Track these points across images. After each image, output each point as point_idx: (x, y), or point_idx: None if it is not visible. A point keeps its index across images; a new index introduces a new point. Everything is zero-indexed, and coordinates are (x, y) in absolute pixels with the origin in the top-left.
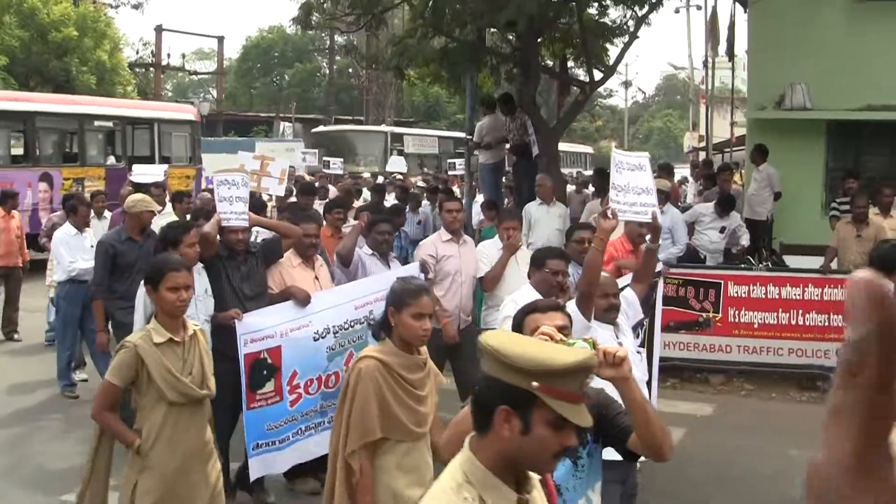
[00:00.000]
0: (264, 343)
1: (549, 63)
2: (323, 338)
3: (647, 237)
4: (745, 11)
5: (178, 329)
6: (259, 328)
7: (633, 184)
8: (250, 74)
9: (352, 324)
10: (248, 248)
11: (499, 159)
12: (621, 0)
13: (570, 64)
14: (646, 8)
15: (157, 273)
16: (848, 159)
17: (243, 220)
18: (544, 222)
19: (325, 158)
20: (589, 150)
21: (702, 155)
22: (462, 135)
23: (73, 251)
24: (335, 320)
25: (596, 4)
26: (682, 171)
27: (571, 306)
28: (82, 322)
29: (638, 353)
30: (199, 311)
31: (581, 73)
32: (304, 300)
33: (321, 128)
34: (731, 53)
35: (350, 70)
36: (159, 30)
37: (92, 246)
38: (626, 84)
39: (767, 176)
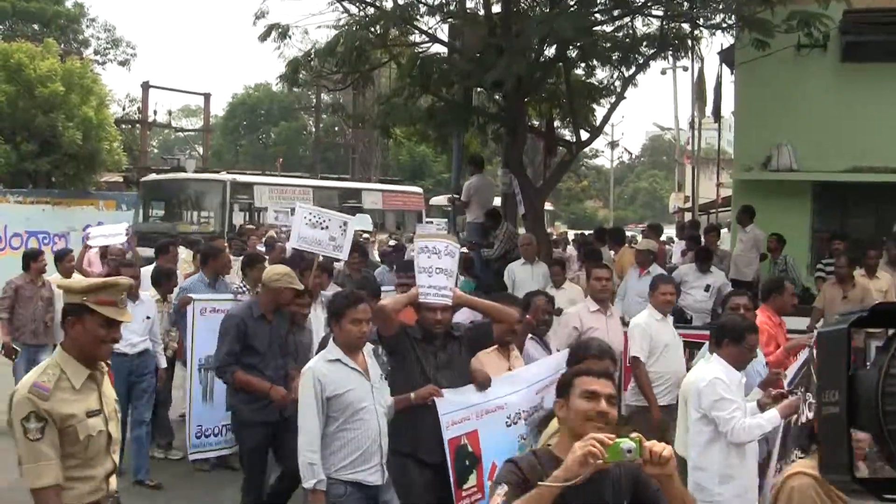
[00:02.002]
0: (463, 426)
1: (536, 123)
2: (515, 423)
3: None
4: (732, 73)
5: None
6: (458, 407)
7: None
8: (236, 132)
9: (536, 409)
10: (450, 330)
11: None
12: (608, 61)
13: (557, 124)
14: (633, 69)
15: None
16: (834, 221)
17: (446, 296)
18: (528, 282)
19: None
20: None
21: (688, 216)
22: (352, 184)
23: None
24: (523, 405)
25: (583, 65)
26: (668, 231)
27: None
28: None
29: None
30: (376, 399)
31: (567, 134)
32: (483, 383)
33: (152, 176)
34: (717, 114)
35: (336, 128)
36: (146, 86)
37: (148, 317)
38: (613, 144)
39: (754, 237)
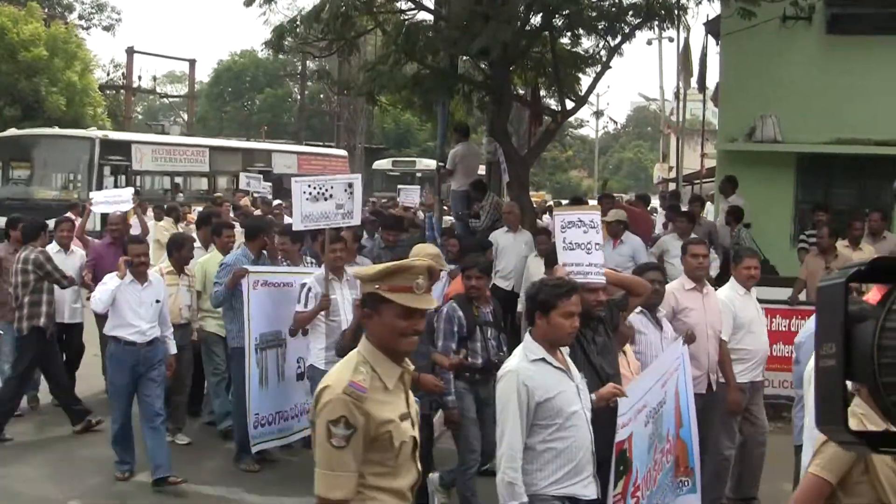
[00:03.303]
0: (627, 429)
1: (521, 92)
2: (651, 420)
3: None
4: (718, 44)
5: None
6: (627, 407)
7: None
8: (221, 98)
9: (661, 404)
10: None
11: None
12: (594, 30)
13: (542, 93)
14: (618, 38)
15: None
16: (817, 192)
17: (601, 274)
18: (511, 250)
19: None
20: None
21: (672, 186)
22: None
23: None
24: (652, 402)
25: (569, 34)
26: (652, 202)
27: None
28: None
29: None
30: (583, 402)
31: (552, 103)
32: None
33: (11, 131)
34: (702, 85)
35: (321, 96)
36: (130, 52)
37: (158, 301)
38: (598, 114)
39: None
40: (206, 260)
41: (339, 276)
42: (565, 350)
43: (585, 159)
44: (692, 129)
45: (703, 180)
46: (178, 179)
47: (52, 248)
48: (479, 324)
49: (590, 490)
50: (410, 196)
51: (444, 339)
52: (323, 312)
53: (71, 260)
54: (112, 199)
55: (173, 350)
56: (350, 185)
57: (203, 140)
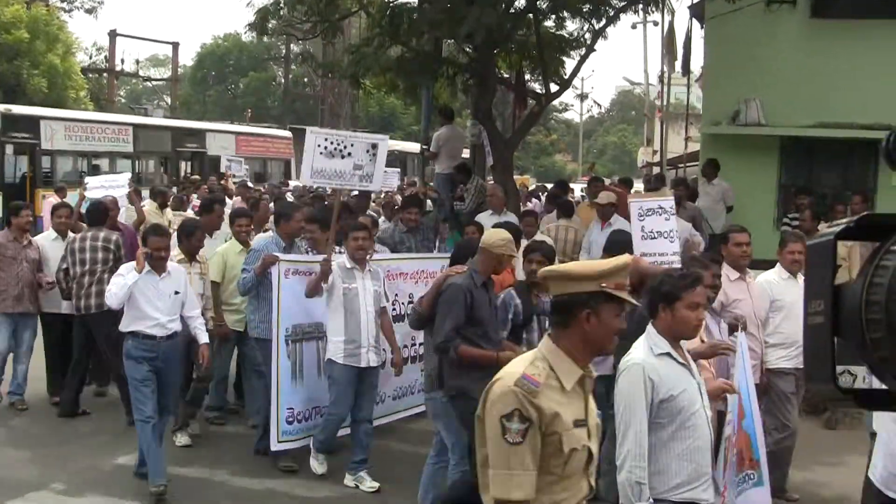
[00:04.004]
0: (729, 427)
1: (506, 75)
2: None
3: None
4: (702, 28)
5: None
6: (734, 403)
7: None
8: (205, 82)
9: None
10: None
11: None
12: (578, 13)
13: (527, 76)
14: (603, 21)
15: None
16: (801, 175)
17: (678, 260)
18: None
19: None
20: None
21: (656, 170)
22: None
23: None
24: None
25: (553, 17)
26: (636, 185)
27: None
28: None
29: None
30: (704, 400)
31: (537, 86)
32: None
33: None
34: (686, 69)
35: (306, 79)
36: (113, 35)
37: (177, 292)
38: (582, 97)
39: (722, 190)
40: (225, 249)
41: (362, 266)
42: (685, 344)
43: (570, 143)
44: (676, 113)
45: (687, 164)
46: (99, 161)
47: (49, 236)
48: (537, 313)
49: (708, 493)
50: (389, 180)
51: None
52: (343, 302)
53: None
54: (108, 184)
55: (204, 339)
56: (374, 147)
57: (125, 117)
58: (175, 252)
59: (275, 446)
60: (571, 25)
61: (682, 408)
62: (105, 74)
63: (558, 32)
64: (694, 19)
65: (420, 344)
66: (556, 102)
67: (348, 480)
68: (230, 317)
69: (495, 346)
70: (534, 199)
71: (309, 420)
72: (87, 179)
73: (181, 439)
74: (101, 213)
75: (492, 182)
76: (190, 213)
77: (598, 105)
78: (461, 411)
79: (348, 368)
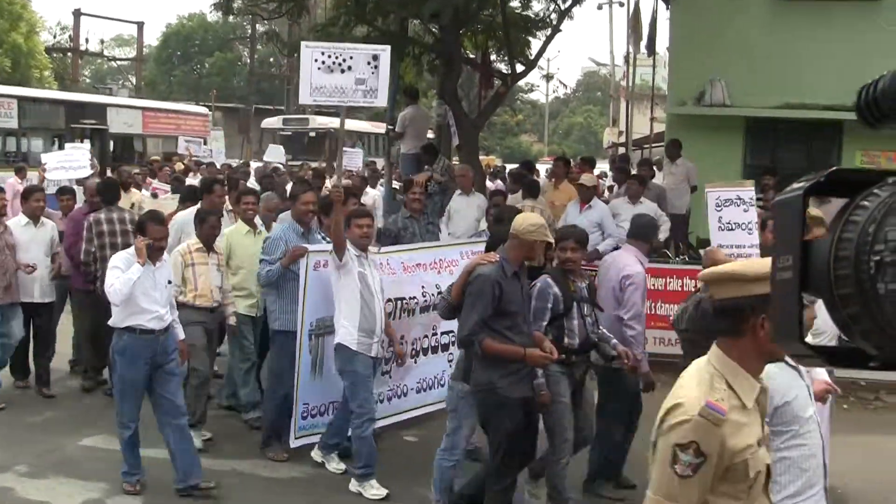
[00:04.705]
0: None
1: (472, 55)
2: None
3: None
4: (668, 8)
5: None
6: None
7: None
8: (170, 62)
9: None
10: None
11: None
12: None
13: (493, 56)
14: (569, 2)
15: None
16: (766, 156)
17: (756, 252)
18: (464, 213)
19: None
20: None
21: (621, 150)
22: None
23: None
24: None
25: None
26: (602, 166)
27: None
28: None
29: None
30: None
31: (503, 66)
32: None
33: None
34: (652, 50)
35: (271, 60)
36: (77, 14)
37: (170, 282)
38: (548, 77)
39: (686, 170)
40: (230, 231)
41: (366, 253)
42: None
43: (535, 124)
44: (642, 94)
45: (653, 144)
46: None
47: (20, 221)
48: (577, 300)
49: None
50: (353, 160)
51: (535, 319)
52: (359, 287)
53: (42, 232)
54: (68, 163)
55: (182, 335)
56: (375, 58)
57: (8, 88)
58: (193, 240)
59: (293, 443)
60: (537, 6)
61: (795, 414)
62: (69, 54)
63: (524, 13)
64: (660, 0)
65: (442, 333)
66: (521, 83)
67: (327, 463)
68: (243, 302)
69: (526, 338)
70: (497, 181)
71: (325, 415)
72: (45, 158)
73: (202, 434)
74: (116, 191)
75: (458, 162)
76: (146, 194)
77: (564, 86)
78: (484, 407)
79: (365, 357)
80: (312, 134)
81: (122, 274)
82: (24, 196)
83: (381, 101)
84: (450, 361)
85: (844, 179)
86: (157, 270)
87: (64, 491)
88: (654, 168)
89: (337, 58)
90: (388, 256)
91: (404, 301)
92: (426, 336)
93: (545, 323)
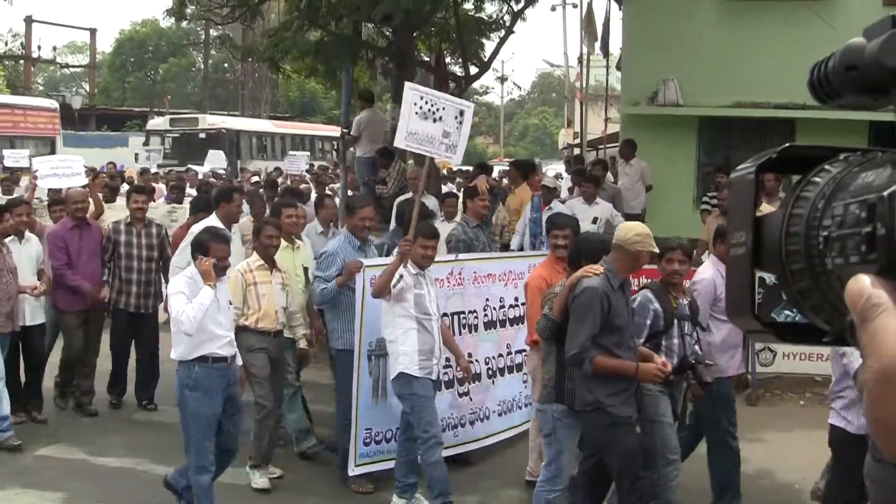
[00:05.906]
0: None
1: (426, 58)
2: None
3: None
4: (620, 9)
5: None
6: None
7: None
8: (124, 68)
9: None
10: None
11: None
12: None
13: (447, 59)
14: (521, 3)
15: None
16: (719, 154)
17: None
18: None
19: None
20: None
21: (576, 151)
22: None
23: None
24: None
25: None
26: (557, 167)
27: None
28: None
29: None
30: None
31: (457, 69)
32: None
33: None
34: (605, 50)
35: (226, 65)
36: (29, 21)
37: (231, 302)
38: (502, 79)
39: (640, 170)
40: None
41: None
42: None
43: (491, 126)
44: (596, 95)
45: (607, 145)
46: None
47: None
48: (678, 317)
49: None
50: (296, 163)
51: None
52: (414, 307)
53: (27, 249)
54: (61, 171)
55: (239, 361)
56: (462, 114)
57: None
58: (254, 258)
59: (352, 470)
60: (490, 7)
61: None
62: (21, 61)
63: (477, 15)
64: (613, 1)
65: (517, 352)
66: (476, 85)
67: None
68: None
69: (632, 354)
70: (449, 184)
71: (390, 441)
72: (36, 165)
73: (258, 480)
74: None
75: (413, 165)
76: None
77: (519, 87)
78: (592, 428)
79: (427, 381)
80: (203, 135)
81: (187, 300)
82: (3, 210)
83: (458, 159)
84: (524, 382)
85: (797, 156)
86: (219, 292)
87: (21, 501)
88: (608, 167)
89: (433, 105)
90: (463, 265)
91: (462, 315)
92: (500, 355)
93: (642, 340)
